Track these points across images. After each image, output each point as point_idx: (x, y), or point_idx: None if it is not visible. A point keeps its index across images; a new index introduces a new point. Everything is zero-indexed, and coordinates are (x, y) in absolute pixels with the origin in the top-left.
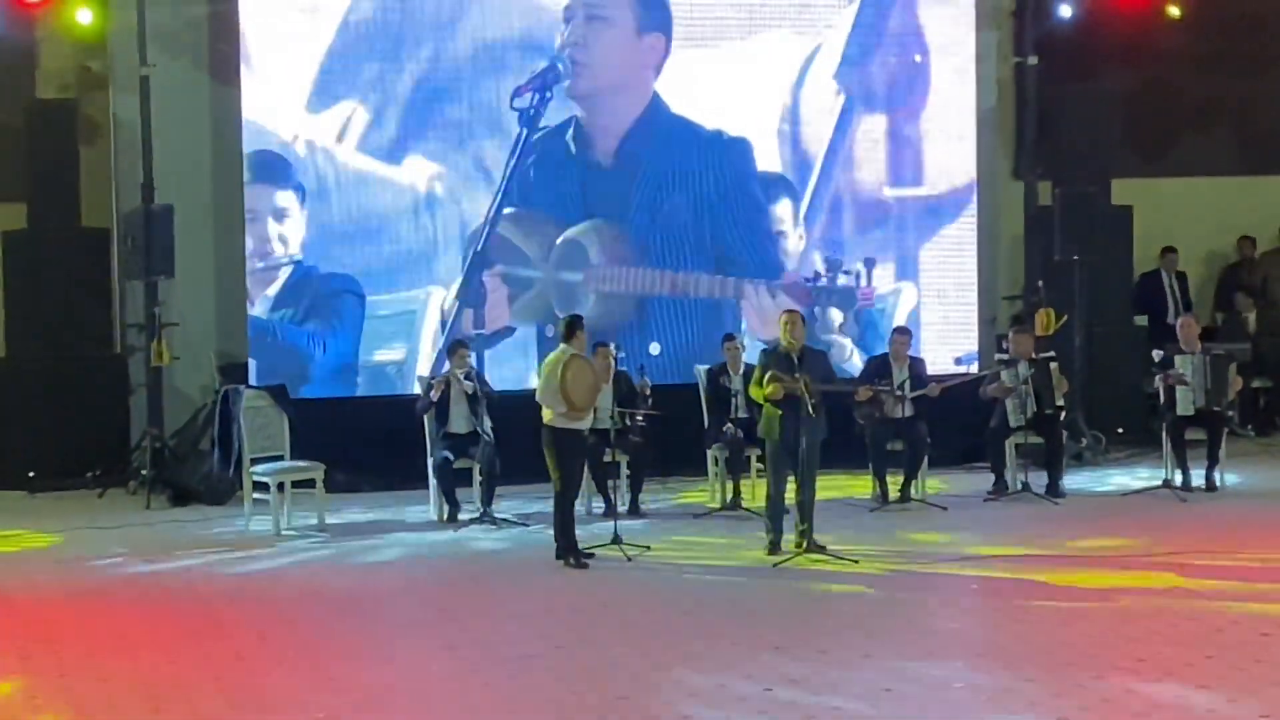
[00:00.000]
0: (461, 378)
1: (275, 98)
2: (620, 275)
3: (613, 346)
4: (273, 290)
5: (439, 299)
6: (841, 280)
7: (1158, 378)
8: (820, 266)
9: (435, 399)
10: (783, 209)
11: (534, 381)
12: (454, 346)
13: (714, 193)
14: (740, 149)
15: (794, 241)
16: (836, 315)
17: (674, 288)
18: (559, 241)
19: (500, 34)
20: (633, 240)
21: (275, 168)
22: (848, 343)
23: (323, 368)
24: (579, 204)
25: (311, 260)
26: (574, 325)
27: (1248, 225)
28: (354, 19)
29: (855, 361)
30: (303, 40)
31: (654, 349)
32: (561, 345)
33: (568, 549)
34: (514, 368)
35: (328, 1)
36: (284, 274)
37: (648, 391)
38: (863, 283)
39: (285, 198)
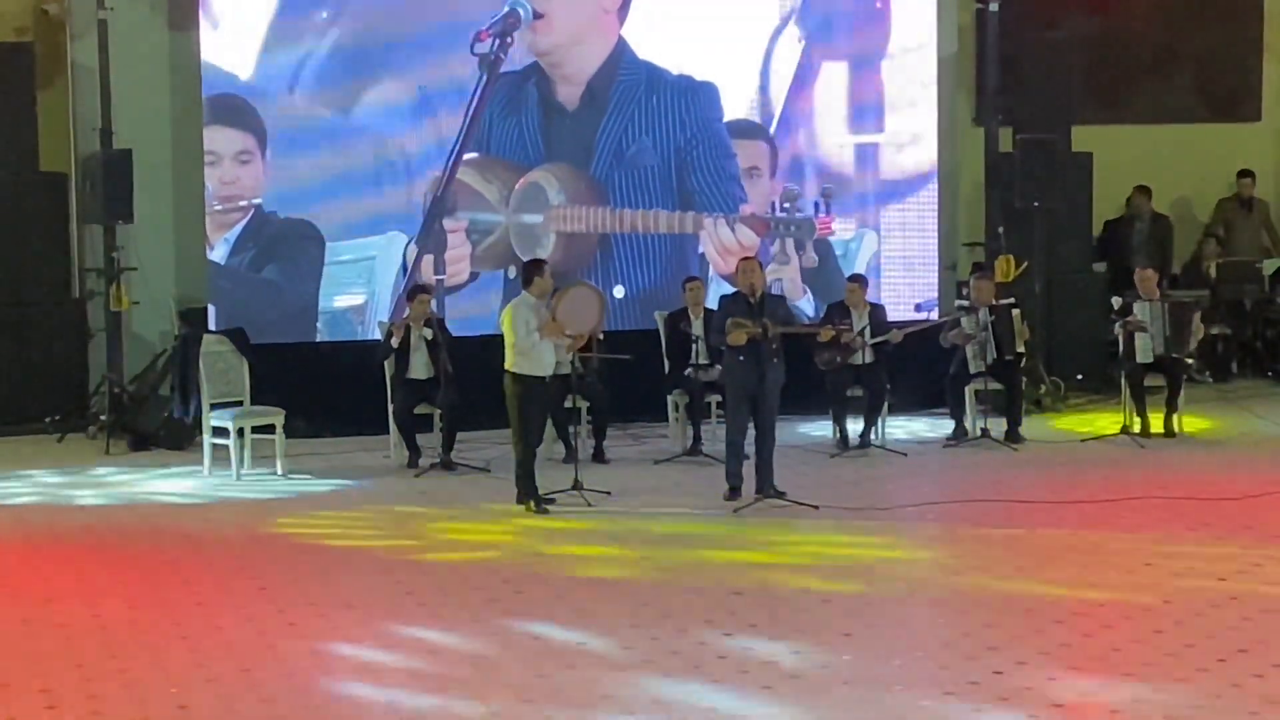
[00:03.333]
0: (421, 324)
1: (232, 41)
2: (580, 215)
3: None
4: (232, 235)
5: (400, 245)
6: (801, 212)
7: (1117, 325)
8: (777, 198)
9: (395, 345)
10: (756, 153)
11: (496, 326)
12: (414, 292)
13: (681, 136)
14: (708, 93)
15: (764, 185)
16: (792, 246)
17: (633, 225)
18: (519, 184)
19: None
20: (596, 182)
21: (234, 110)
22: (799, 280)
23: (282, 313)
24: (541, 149)
25: (270, 205)
26: (532, 271)
27: (1207, 172)
28: None
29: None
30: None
31: (618, 292)
32: (523, 293)
33: (529, 494)
34: (476, 312)
35: None
36: (243, 218)
37: (600, 336)
38: (820, 213)
39: (245, 140)
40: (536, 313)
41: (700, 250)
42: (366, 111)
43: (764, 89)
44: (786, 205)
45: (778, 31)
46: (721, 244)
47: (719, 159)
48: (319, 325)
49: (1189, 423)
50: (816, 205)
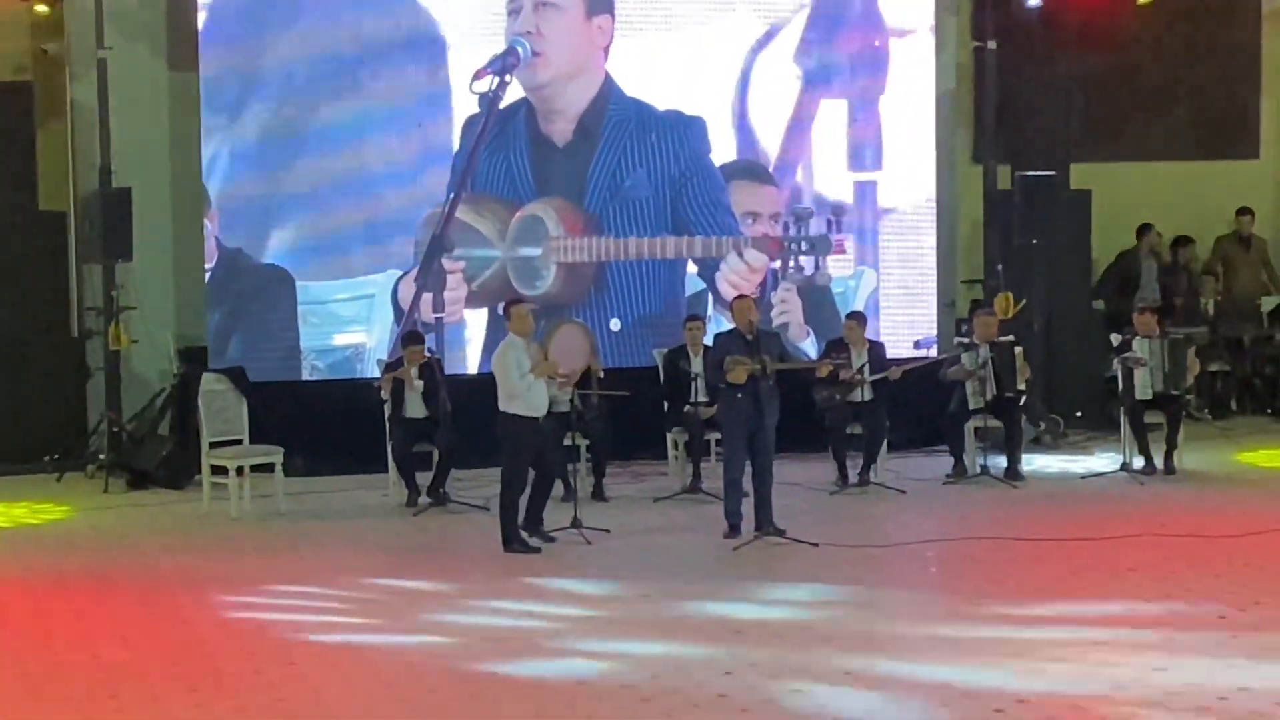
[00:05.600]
0: (414, 375)
1: (231, 79)
2: (581, 245)
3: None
4: (222, 274)
5: (399, 283)
6: (814, 228)
7: (1116, 361)
8: (789, 218)
9: (386, 398)
10: (759, 197)
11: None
12: (408, 339)
13: (675, 168)
14: (698, 127)
15: (763, 225)
16: (808, 264)
17: (638, 252)
18: (516, 217)
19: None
20: (592, 215)
21: (231, 150)
22: (802, 320)
23: (281, 352)
24: (532, 184)
25: (262, 243)
26: (508, 310)
27: (1206, 210)
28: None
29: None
30: (256, 22)
31: (614, 325)
32: (509, 334)
33: (510, 538)
34: (474, 349)
35: None
36: (235, 260)
37: (600, 374)
38: (833, 231)
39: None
40: (527, 353)
41: (703, 286)
42: (362, 152)
43: (759, 126)
44: (799, 225)
45: (775, 68)
46: (732, 271)
47: (713, 191)
48: (318, 364)
49: (1188, 459)
50: (829, 223)
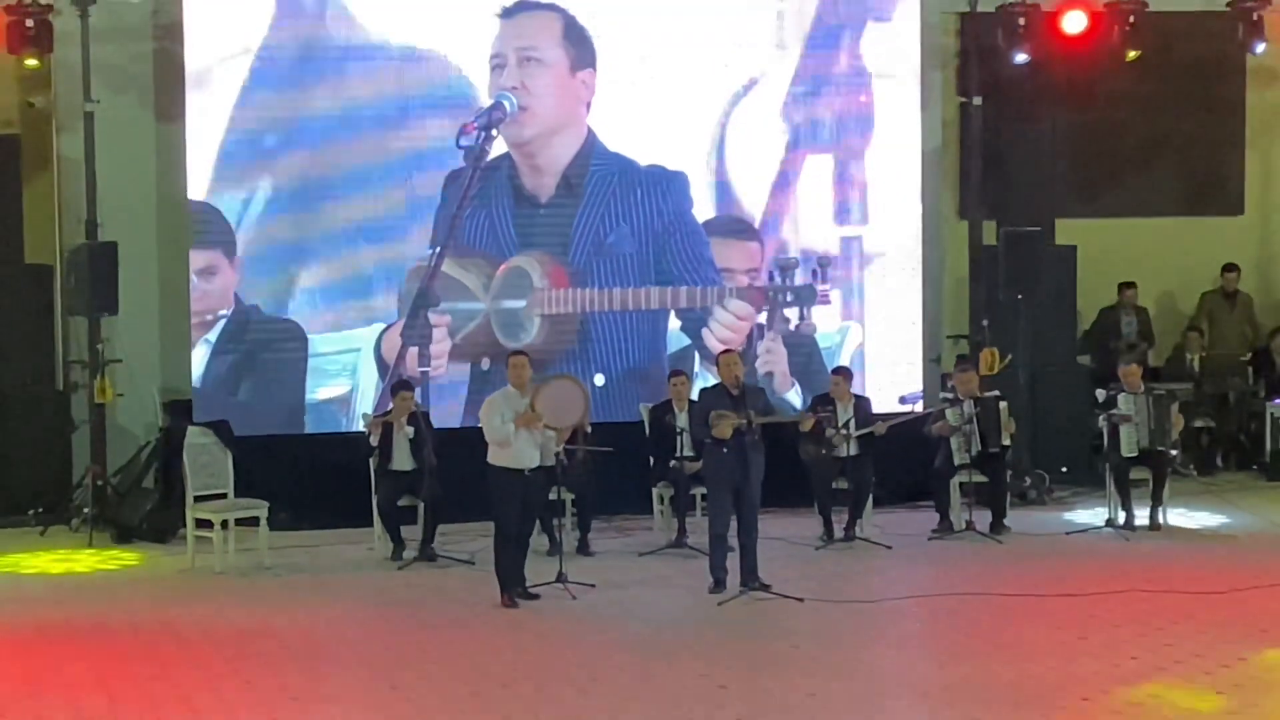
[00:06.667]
0: (404, 422)
1: (215, 135)
2: (565, 296)
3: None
4: (213, 334)
5: (382, 336)
6: (799, 279)
7: (1101, 417)
8: (773, 269)
9: (375, 443)
10: (743, 253)
11: (477, 418)
12: (396, 388)
13: (658, 224)
14: (679, 182)
15: (745, 281)
16: (793, 315)
17: (623, 304)
18: (501, 270)
19: (433, 84)
20: (577, 270)
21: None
22: (788, 373)
23: (266, 407)
24: (515, 239)
25: (252, 301)
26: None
27: (1190, 265)
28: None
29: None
30: (241, 79)
31: (599, 380)
32: (506, 385)
33: (501, 586)
34: (457, 403)
35: (258, 41)
36: (223, 318)
37: (588, 429)
38: (818, 280)
39: (209, 256)
40: (513, 404)
41: (688, 343)
42: (346, 206)
43: (742, 181)
44: (785, 275)
45: (759, 123)
46: (720, 322)
47: (696, 246)
48: (304, 419)
49: (1174, 515)
50: (815, 273)
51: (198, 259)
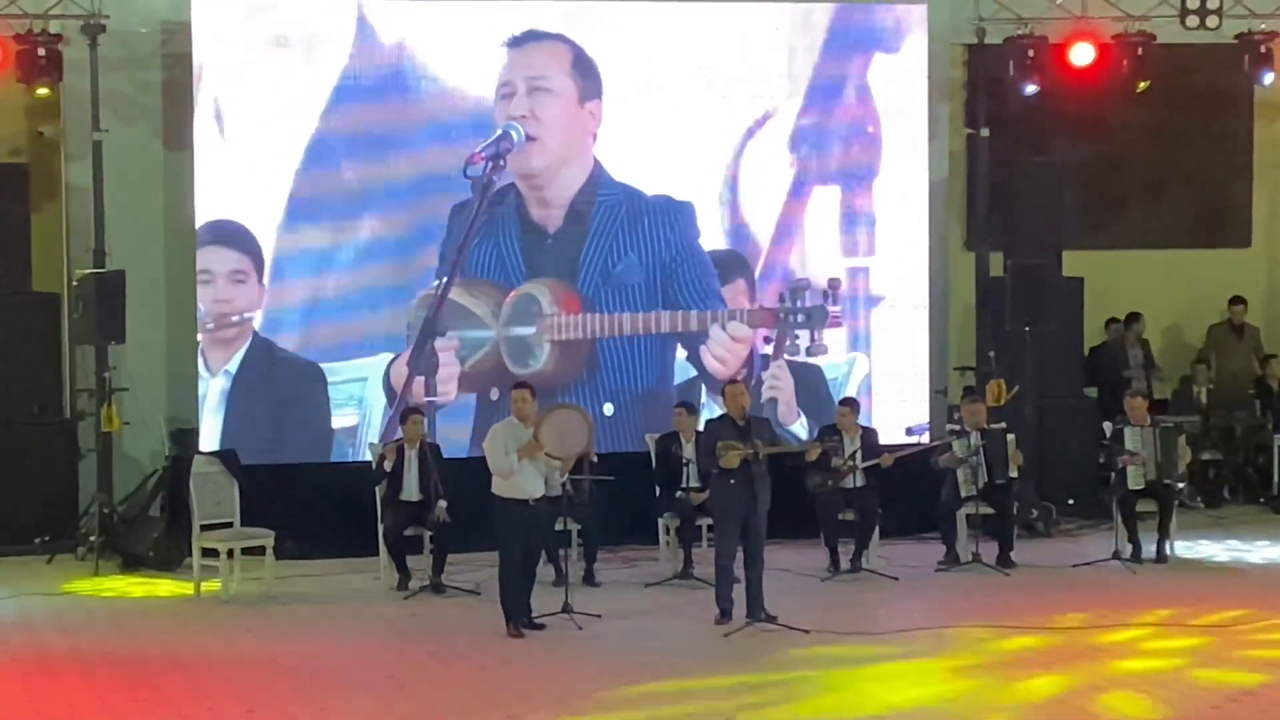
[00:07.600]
0: (416, 445)
1: (226, 164)
2: (575, 322)
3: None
4: (233, 365)
5: (391, 366)
6: (809, 302)
7: (1105, 454)
8: (785, 290)
9: (388, 470)
10: (736, 287)
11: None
12: (406, 414)
13: (665, 254)
14: (687, 214)
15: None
16: (805, 337)
17: (633, 328)
18: (510, 297)
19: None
20: (586, 297)
21: (228, 232)
22: (794, 403)
23: (278, 437)
24: (523, 269)
25: (264, 325)
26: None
27: (1198, 298)
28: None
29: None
30: (251, 111)
31: (608, 410)
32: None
33: (506, 615)
34: (464, 432)
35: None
36: (241, 347)
37: (594, 458)
38: (830, 302)
39: (240, 260)
40: (516, 435)
41: (694, 374)
42: (354, 233)
43: (750, 212)
44: (795, 298)
45: (767, 155)
46: (717, 344)
47: (704, 276)
48: (312, 448)
49: (1180, 548)
50: (825, 295)
51: (229, 259)
